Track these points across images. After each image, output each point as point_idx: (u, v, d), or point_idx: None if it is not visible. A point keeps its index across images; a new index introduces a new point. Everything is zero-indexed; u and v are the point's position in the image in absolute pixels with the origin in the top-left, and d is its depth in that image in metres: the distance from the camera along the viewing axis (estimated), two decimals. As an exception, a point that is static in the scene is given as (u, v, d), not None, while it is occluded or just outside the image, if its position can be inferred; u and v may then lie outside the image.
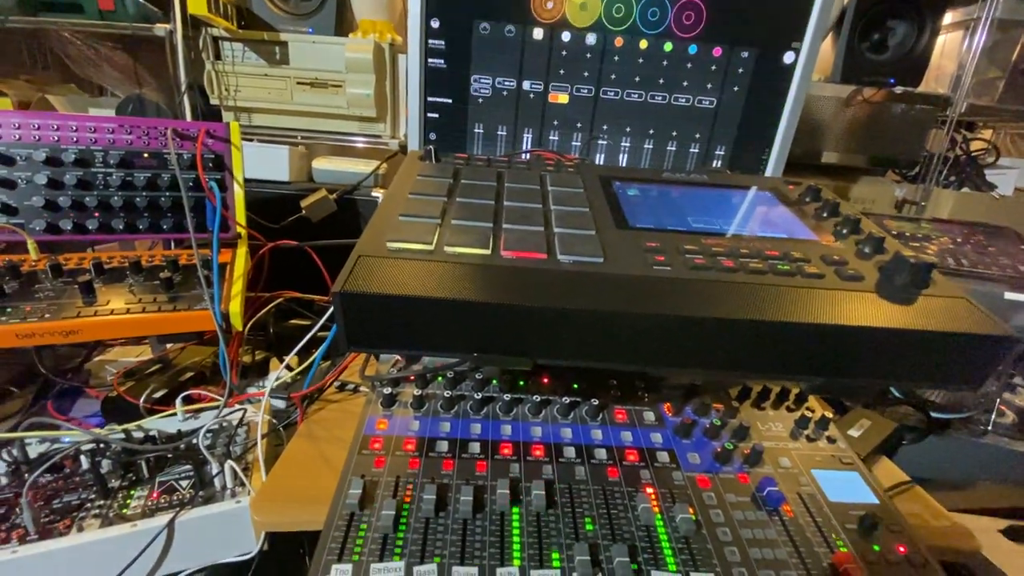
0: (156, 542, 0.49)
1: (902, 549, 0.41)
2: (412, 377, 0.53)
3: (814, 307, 0.35)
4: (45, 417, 0.67)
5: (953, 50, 1.24)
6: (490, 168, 0.51)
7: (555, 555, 0.38)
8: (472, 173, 0.49)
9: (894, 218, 0.94)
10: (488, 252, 0.37)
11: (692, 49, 0.65)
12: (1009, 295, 0.70)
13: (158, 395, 0.74)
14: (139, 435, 0.60)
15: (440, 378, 0.53)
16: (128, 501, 0.52)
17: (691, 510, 0.41)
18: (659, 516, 0.41)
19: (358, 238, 0.89)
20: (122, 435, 0.60)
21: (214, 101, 1.11)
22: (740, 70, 0.66)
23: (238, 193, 0.76)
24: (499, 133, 0.68)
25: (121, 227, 0.69)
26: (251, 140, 1.11)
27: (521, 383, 0.54)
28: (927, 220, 1.00)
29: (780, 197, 0.52)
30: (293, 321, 0.95)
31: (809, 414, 0.53)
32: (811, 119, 1.21)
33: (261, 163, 1.01)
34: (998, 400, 0.72)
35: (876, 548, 0.41)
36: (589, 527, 0.40)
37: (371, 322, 0.33)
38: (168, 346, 0.88)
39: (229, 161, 0.76)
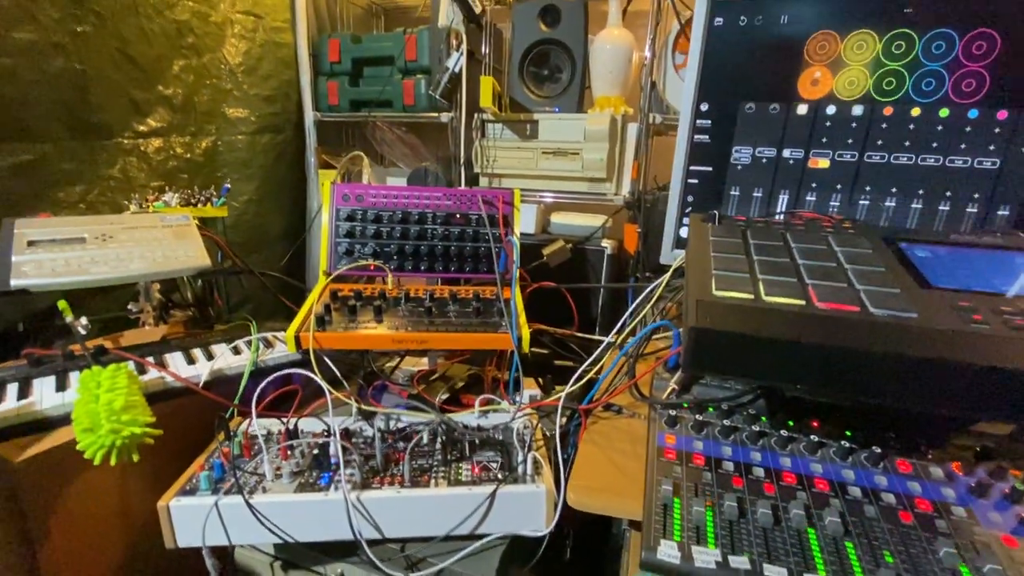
0: (482, 505, 0.65)
1: None
2: (686, 405, 0.62)
3: None
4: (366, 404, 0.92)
5: None
6: (770, 228, 0.60)
7: (859, 573, 0.42)
8: (758, 234, 0.58)
9: None
10: (803, 303, 0.45)
11: (972, 114, 0.66)
12: None
13: (444, 397, 0.95)
14: (456, 424, 0.79)
15: (711, 408, 0.62)
16: (460, 470, 0.69)
17: (1001, 565, 0.42)
18: (964, 565, 0.43)
19: (589, 283, 1.02)
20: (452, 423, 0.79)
21: (476, 170, 1.40)
22: (1032, 131, 0.64)
23: (516, 245, 0.96)
24: (755, 195, 0.76)
25: (440, 268, 0.93)
26: (504, 199, 1.36)
27: (791, 423, 0.59)
28: None
29: (1102, 262, 0.50)
30: (535, 349, 1.12)
31: None
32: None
33: (515, 218, 1.24)
34: None
35: None
36: (889, 559, 0.44)
37: (711, 352, 0.44)
38: (439, 361, 1.11)
39: (512, 220, 0.96)
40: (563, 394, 0.71)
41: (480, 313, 0.85)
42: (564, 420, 0.78)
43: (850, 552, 0.44)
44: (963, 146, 0.67)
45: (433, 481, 0.67)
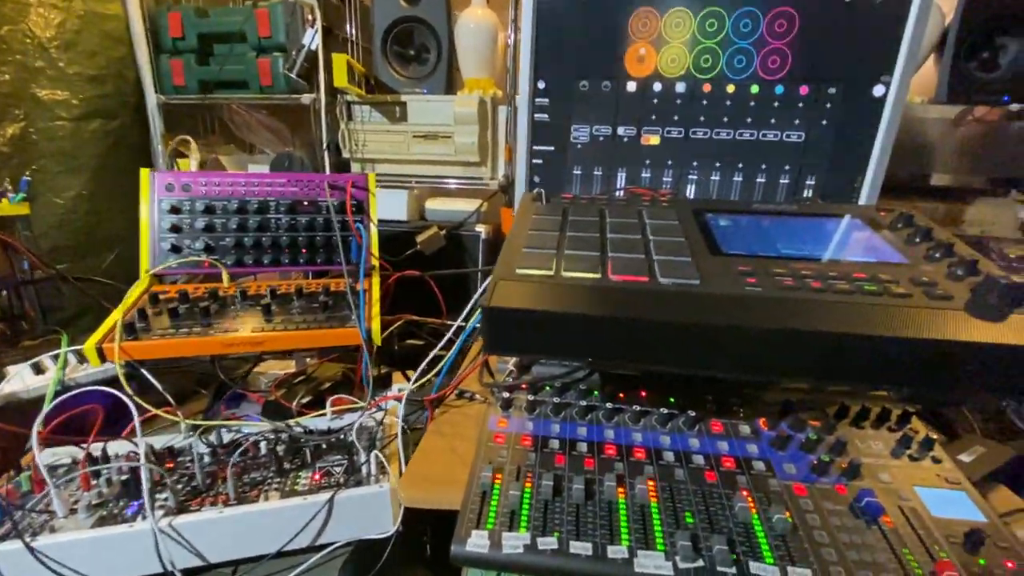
0: (319, 514, 0.60)
1: (1011, 564, 0.41)
2: (524, 385, 0.61)
3: (899, 322, 0.38)
4: (218, 415, 0.83)
5: (1083, 61, 1.15)
6: (592, 205, 0.59)
7: (659, 539, 0.43)
8: (578, 210, 0.58)
9: (1013, 241, 0.89)
10: (599, 276, 0.44)
11: (778, 90, 0.70)
12: None
13: (305, 400, 0.89)
14: (298, 430, 0.73)
15: (548, 387, 0.61)
16: (298, 480, 0.64)
17: (787, 513, 0.45)
18: (756, 515, 0.45)
19: (465, 268, 1.00)
20: (286, 430, 0.73)
21: (345, 155, 1.31)
22: (828, 105, 0.69)
23: (373, 232, 0.90)
24: (595, 173, 0.77)
25: (286, 260, 0.86)
26: (375, 186, 1.29)
27: (621, 395, 0.60)
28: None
29: (871, 224, 0.55)
30: (410, 341, 1.08)
31: (912, 434, 0.54)
32: (917, 141, 1.17)
33: (384, 205, 1.18)
34: None
35: (982, 562, 0.42)
36: (689, 520, 0.45)
37: (508, 332, 0.42)
38: (308, 361, 1.04)
39: (367, 206, 0.91)
40: (408, 388, 0.68)
41: (328, 308, 0.79)
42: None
43: (654, 517, 0.45)
44: (773, 120, 0.71)
45: (264, 495, 0.61)
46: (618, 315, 0.40)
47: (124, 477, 0.62)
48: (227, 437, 0.72)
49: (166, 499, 0.59)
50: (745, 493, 0.47)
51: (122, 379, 0.66)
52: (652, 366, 0.42)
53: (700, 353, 0.41)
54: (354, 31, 1.36)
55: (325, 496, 0.60)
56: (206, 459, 0.67)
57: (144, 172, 0.83)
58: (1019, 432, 0.69)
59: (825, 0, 0.66)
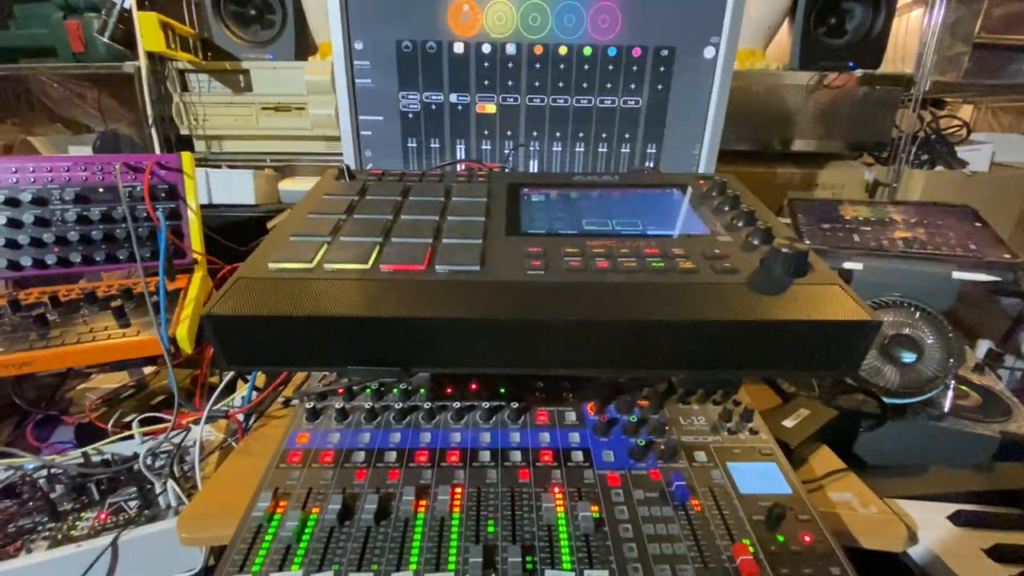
0: (101, 561, 0.51)
1: (807, 538, 0.41)
2: (341, 390, 0.54)
3: (677, 302, 0.35)
4: (17, 445, 0.70)
5: (917, 28, 1.22)
6: (400, 183, 0.53)
7: (452, 558, 0.39)
8: (378, 189, 0.51)
9: (853, 202, 0.93)
10: (367, 267, 0.38)
11: (611, 51, 0.66)
12: (957, 274, 0.69)
13: (127, 419, 0.77)
14: (98, 459, 0.63)
15: (368, 390, 0.55)
16: (77, 523, 0.54)
17: (595, 508, 0.42)
18: (562, 515, 0.42)
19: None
20: (80, 459, 0.62)
21: (184, 131, 1.15)
22: (662, 68, 0.66)
23: (193, 220, 0.78)
24: (432, 146, 0.70)
25: (78, 260, 0.72)
26: (219, 167, 1.15)
27: (449, 390, 0.55)
28: (887, 203, 0.99)
29: (686, 194, 0.52)
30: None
31: (733, 406, 0.53)
32: (776, 108, 1.20)
33: (228, 188, 1.05)
34: (952, 382, 0.70)
35: (780, 538, 0.41)
36: (491, 529, 0.41)
37: (245, 342, 0.35)
38: (146, 370, 0.91)
39: (183, 190, 0.78)
40: (208, 405, 0.59)
41: (123, 313, 0.67)
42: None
43: (453, 531, 0.41)
44: (608, 85, 0.67)
45: (26, 548, 0.51)
46: (370, 314, 0.34)
47: None
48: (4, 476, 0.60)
49: None
50: (556, 490, 0.44)
51: None
52: (424, 368, 0.37)
53: (477, 350, 0.36)
54: (185, -13, 1.18)
55: (106, 540, 0.51)
56: (-39, 509, 0.55)
57: None
58: (850, 388, 0.72)
59: (652, -46, 0.62)
